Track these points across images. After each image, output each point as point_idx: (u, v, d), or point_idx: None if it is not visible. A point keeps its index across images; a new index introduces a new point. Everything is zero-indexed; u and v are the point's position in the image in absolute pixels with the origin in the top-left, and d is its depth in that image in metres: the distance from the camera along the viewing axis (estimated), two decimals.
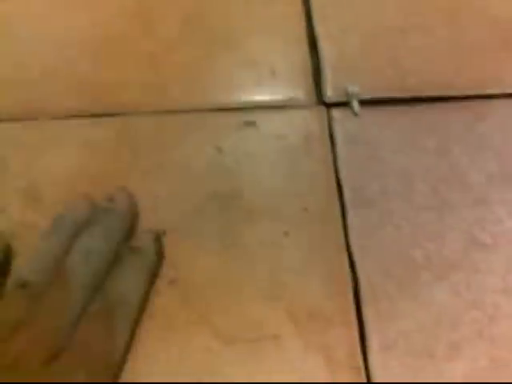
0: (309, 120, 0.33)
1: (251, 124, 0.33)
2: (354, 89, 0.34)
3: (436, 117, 0.34)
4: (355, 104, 0.33)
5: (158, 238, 0.28)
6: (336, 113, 0.34)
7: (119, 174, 0.31)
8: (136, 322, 0.26)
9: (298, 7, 0.39)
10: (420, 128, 0.33)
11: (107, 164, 0.31)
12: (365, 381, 0.25)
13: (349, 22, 0.38)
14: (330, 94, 0.34)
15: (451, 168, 0.32)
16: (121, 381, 0.25)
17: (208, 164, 0.32)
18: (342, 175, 0.31)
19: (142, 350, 0.26)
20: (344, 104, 0.34)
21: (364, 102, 0.34)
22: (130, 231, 0.29)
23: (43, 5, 0.38)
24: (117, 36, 0.37)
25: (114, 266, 0.27)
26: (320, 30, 0.38)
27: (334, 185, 0.31)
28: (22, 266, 0.27)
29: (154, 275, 0.28)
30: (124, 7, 0.39)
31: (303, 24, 0.38)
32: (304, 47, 0.37)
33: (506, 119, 0.34)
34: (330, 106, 0.34)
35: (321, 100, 0.34)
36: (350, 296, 0.28)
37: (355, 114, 0.33)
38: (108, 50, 0.36)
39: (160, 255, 0.28)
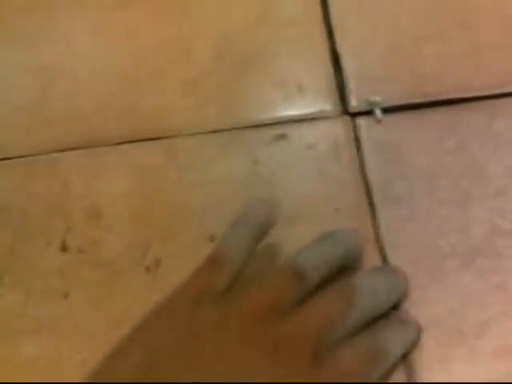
0: (336, 129, 0.37)
1: (283, 137, 0.36)
2: (375, 98, 0.37)
3: (454, 118, 0.36)
4: (378, 112, 0.36)
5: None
6: (361, 121, 0.37)
7: (168, 190, 0.35)
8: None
9: (320, 26, 0.42)
10: (440, 129, 0.36)
11: (157, 182, 0.35)
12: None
13: (367, 35, 0.41)
14: (354, 104, 0.37)
15: (471, 164, 0.34)
16: None
17: (246, 175, 0.35)
18: (370, 177, 0.34)
19: None
20: (368, 113, 0.37)
21: (386, 110, 0.37)
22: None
23: (90, 44, 0.42)
24: (156, 65, 0.41)
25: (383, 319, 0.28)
26: (341, 45, 0.41)
27: (363, 187, 0.34)
28: (301, 256, 0.28)
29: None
30: (159, 39, 0.43)
31: (326, 41, 0.41)
32: (328, 63, 0.40)
33: None
34: (354, 115, 0.37)
35: (346, 110, 0.37)
36: None
37: (378, 121, 0.36)
38: (150, 78, 0.40)
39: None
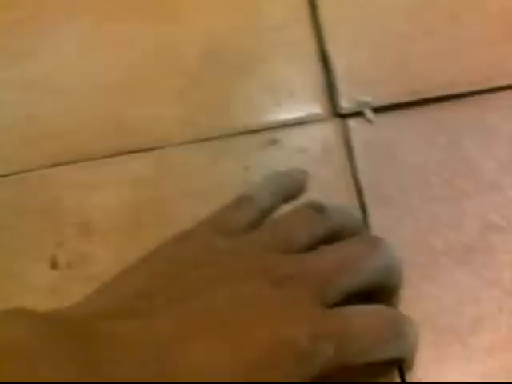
0: (327, 132, 0.36)
1: (274, 142, 0.36)
2: (365, 98, 0.36)
3: (446, 115, 0.36)
4: (368, 112, 0.36)
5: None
6: (352, 122, 0.36)
7: (160, 201, 0.35)
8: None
9: (309, 30, 0.42)
10: (431, 127, 0.36)
11: (149, 193, 0.35)
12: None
13: (356, 37, 0.41)
14: (344, 105, 0.37)
15: (463, 160, 0.34)
16: None
17: (238, 182, 0.35)
18: (362, 178, 0.34)
19: None
20: (358, 114, 0.37)
21: (377, 110, 0.36)
22: None
23: (77, 58, 0.42)
24: (145, 76, 0.41)
25: None
26: (330, 47, 0.40)
27: (354, 188, 0.34)
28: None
29: None
30: (147, 49, 0.42)
31: (314, 44, 0.41)
32: (317, 66, 0.40)
33: None
34: (345, 116, 0.37)
35: (336, 112, 0.37)
36: None
37: (369, 122, 0.36)
38: (138, 89, 0.40)
39: None
